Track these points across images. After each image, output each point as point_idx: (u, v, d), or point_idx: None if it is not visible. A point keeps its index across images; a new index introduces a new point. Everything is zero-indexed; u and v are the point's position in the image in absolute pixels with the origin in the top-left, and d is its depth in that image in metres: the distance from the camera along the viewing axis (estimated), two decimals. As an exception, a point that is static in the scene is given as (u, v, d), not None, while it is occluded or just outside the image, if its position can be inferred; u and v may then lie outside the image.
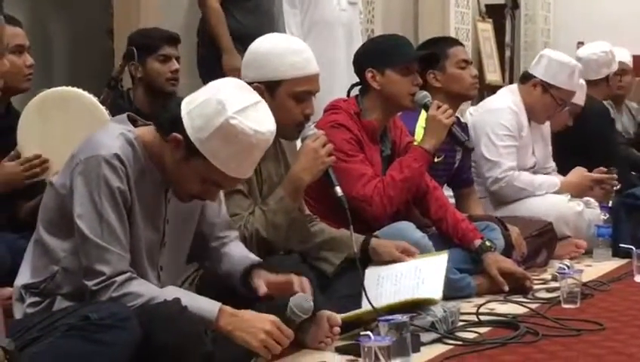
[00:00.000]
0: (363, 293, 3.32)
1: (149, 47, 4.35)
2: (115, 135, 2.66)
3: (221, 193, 2.99)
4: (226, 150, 2.61)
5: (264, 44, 3.35)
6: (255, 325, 2.68)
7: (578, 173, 5.28)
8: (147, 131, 2.72)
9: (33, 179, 3.51)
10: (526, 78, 5.28)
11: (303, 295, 2.79)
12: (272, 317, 2.71)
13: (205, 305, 2.67)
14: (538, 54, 5.38)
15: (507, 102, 5.15)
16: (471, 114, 5.23)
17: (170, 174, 2.70)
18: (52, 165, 3.51)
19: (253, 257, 2.98)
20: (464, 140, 4.20)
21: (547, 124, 5.37)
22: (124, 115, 2.76)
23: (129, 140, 2.67)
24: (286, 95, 3.27)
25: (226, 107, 2.60)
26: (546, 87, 5.15)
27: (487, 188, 5.06)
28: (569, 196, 5.17)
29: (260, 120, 2.65)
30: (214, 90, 2.66)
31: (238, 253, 2.98)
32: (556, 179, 5.22)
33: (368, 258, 3.64)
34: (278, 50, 3.29)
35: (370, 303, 3.26)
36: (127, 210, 2.65)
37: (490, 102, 5.37)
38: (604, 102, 6.05)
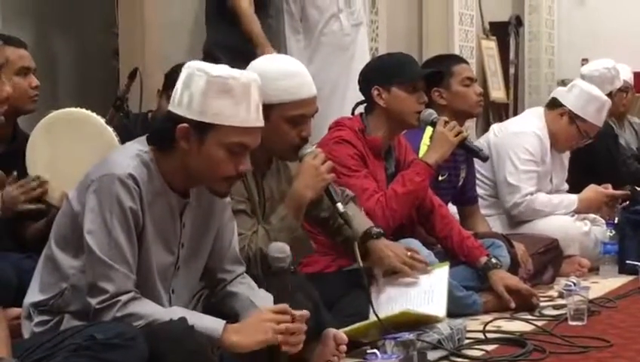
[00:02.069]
0: (369, 304, 3.30)
1: (168, 82, 4.39)
2: (131, 155, 2.68)
3: (235, 231, 3.00)
4: (226, 103, 2.64)
5: (258, 67, 3.28)
6: (257, 323, 2.66)
7: (593, 189, 5.28)
8: (158, 152, 2.73)
9: (32, 202, 3.49)
10: (554, 105, 5.26)
11: (279, 244, 2.80)
12: (267, 307, 2.70)
13: (210, 324, 2.66)
14: (570, 83, 5.37)
15: (533, 126, 5.16)
16: (495, 134, 5.23)
17: (198, 171, 2.69)
18: (58, 187, 3.50)
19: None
20: (479, 150, 4.23)
21: (567, 152, 5.38)
22: (144, 137, 2.77)
23: (145, 161, 2.68)
24: (279, 119, 3.21)
25: (206, 69, 2.67)
26: (573, 117, 5.16)
27: (506, 210, 5.07)
28: (576, 216, 5.18)
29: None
30: (188, 69, 2.70)
31: (245, 298, 2.93)
32: (574, 197, 5.22)
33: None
34: (271, 74, 3.22)
35: (375, 313, 3.26)
36: (139, 231, 2.65)
37: (515, 124, 5.37)
38: (608, 120, 6.06)
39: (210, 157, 2.67)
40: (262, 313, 2.70)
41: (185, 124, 2.65)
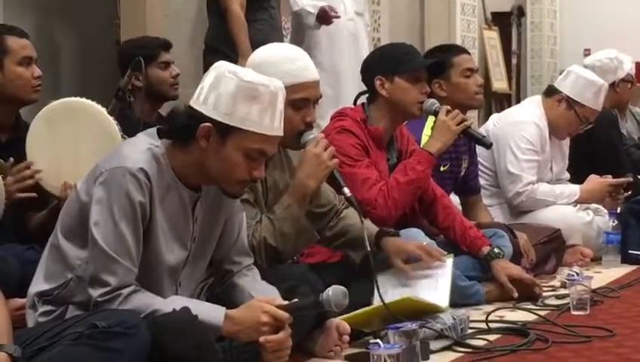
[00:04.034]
0: (374, 287, 3.30)
1: (148, 56, 4.37)
2: (142, 149, 2.67)
3: (244, 221, 3.01)
4: (254, 109, 2.65)
5: (260, 54, 3.31)
6: (252, 321, 2.66)
7: (595, 180, 5.28)
8: (172, 146, 2.72)
9: (25, 192, 3.47)
10: (551, 92, 5.27)
11: (342, 289, 2.74)
12: (266, 306, 2.68)
13: (211, 312, 2.67)
14: (566, 70, 5.38)
15: (532, 115, 5.16)
16: (495, 124, 5.24)
17: (213, 171, 2.70)
18: (58, 177, 3.50)
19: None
20: (482, 137, 4.23)
21: (567, 139, 5.38)
22: (154, 129, 2.77)
23: (155, 156, 2.67)
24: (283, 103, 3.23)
25: (237, 73, 2.67)
26: (571, 103, 5.16)
27: (508, 200, 5.07)
28: (578, 205, 5.18)
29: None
30: (217, 69, 2.70)
31: (247, 288, 2.94)
32: (575, 188, 5.22)
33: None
34: (273, 58, 3.24)
35: (379, 295, 3.25)
36: (146, 225, 2.65)
37: (514, 113, 5.37)
38: (610, 109, 6.05)
39: (227, 160, 2.67)
40: (263, 309, 2.68)
41: (208, 124, 2.65)
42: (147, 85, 4.36)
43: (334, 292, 2.70)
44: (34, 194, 3.47)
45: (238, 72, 2.69)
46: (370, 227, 3.60)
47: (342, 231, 3.55)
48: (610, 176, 5.33)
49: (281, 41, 5.01)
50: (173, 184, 2.71)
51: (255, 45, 4.71)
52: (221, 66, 2.72)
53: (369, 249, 3.26)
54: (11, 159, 3.48)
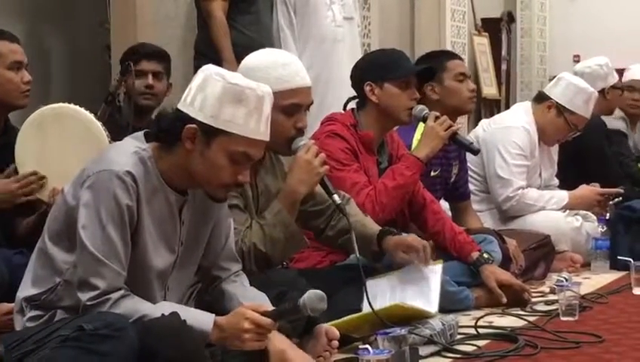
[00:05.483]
0: (364, 294, 3.30)
1: (134, 62, 4.36)
2: (128, 152, 2.67)
3: (231, 227, 3.00)
4: (239, 112, 2.65)
5: (251, 59, 3.31)
6: (234, 328, 2.65)
7: (585, 187, 5.29)
8: (159, 149, 2.72)
9: (29, 196, 3.49)
10: (541, 98, 5.28)
11: (319, 293, 2.74)
12: (248, 313, 2.67)
13: (200, 318, 2.66)
14: (556, 77, 5.40)
15: (521, 121, 5.17)
16: (484, 130, 5.25)
17: (198, 174, 2.69)
18: (49, 182, 3.50)
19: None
20: (469, 143, 4.25)
21: (556, 146, 5.39)
22: (142, 133, 2.77)
23: (142, 159, 2.67)
24: (275, 109, 3.17)
25: (224, 75, 2.68)
26: (561, 110, 5.17)
27: (498, 205, 5.08)
28: (567, 211, 5.19)
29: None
30: (205, 72, 2.71)
31: (236, 295, 2.94)
32: (564, 193, 5.24)
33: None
34: (265, 64, 3.24)
35: (368, 302, 3.25)
36: (133, 229, 2.65)
37: (503, 118, 5.38)
38: (618, 117, 6.09)
39: (212, 162, 2.67)
40: (245, 316, 2.66)
41: (193, 125, 2.65)
42: (127, 91, 4.37)
43: (309, 297, 2.69)
44: (35, 197, 3.48)
45: (225, 74, 2.69)
46: (370, 225, 3.62)
47: (344, 229, 3.52)
48: (597, 184, 5.35)
49: (272, 46, 5.00)
50: (160, 187, 2.71)
51: (243, 50, 4.72)
52: (209, 69, 2.72)
53: (357, 255, 3.26)
54: (13, 166, 3.49)
